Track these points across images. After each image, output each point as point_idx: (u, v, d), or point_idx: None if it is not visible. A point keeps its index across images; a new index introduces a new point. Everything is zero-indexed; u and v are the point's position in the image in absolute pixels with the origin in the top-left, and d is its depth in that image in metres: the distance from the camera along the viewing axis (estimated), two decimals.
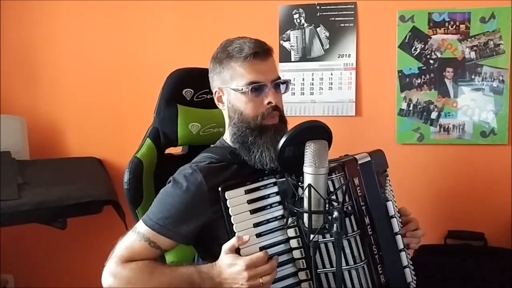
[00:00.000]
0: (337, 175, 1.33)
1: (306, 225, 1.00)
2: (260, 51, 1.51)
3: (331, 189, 1.28)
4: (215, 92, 1.59)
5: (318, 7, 2.53)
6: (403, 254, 1.46)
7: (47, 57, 2.86)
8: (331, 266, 1.32)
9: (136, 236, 1.44)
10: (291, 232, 1.35)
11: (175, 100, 1.75)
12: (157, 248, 1.43)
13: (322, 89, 2.51)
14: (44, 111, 2.87)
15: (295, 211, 1.01)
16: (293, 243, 1.34)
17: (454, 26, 2.39)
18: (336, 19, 2.51)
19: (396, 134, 2.46)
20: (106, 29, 2.79)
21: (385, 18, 2.46)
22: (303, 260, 1.34)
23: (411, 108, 2.44)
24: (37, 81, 2.87)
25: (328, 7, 2.51)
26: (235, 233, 1.33)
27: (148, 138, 1.74)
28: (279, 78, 1.54)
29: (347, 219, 1.32)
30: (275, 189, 1.39)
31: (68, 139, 2.87)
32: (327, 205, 1.03)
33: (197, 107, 1.77)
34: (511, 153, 2.35)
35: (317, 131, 1.06)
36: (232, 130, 1.54)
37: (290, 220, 1.03)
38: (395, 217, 1.48)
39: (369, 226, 1.40)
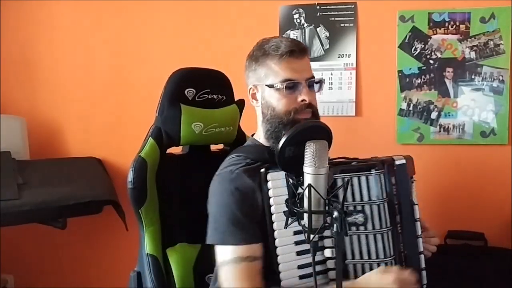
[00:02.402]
0: (377, 171, 1.39)
1: (306, 225, 1.00)
2: (296, 50, 1.53)
3: (367, 187, 1.37)
4: (250, 89, 1.61)
5: (318, 7, 2.53)
6: (422, 256, 1.48)
7: (47, 57, 2.86)
8: (361, 257, 1.36)
9: (231, 265, 1.38)
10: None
11: (178, 99, 1.75)
12: (255, 259, 1.38)
13: (321, 94, 2.51)
14: (44, 111, 2.87)
15: (295, 211, 1.01)
16: (325, 231, 1.36)
17: (454, 26, 2.39)
18: (336, 19, 2.51)
19: (396, 134, 2.46)
20: (105, 30, 2.79)
21: (385, 18, 2.46)
22: (333, 249, 1.36)
23: (411, 108, 2.44)
24: (37, 81, 2.87)
25: (328, 7, 2.52)
26: (272, 215, 1.34)
27: (150, 138, 1.72)
28: (313, 77, 1.56)
29: (382, 214, 1.38)
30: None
31: (68, 139, 2.87)
32: (328, 205, 1.04)
33: (199, 106, 1.77)
34: (511, 153, 2.35)
35: (317, 131, 1.06)
36: (265, 126, 1.56)
37: (290, 220, 1.03)
38: (419, 220, 1.50)
39: (399, 225, 1.43)
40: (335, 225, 0.97)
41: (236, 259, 1.37)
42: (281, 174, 1.33)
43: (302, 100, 1.51)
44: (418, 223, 1.50)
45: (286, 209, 1.27)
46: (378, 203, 1.39)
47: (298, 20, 2.55)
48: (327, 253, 1.35)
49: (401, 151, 2.42)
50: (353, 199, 1.39)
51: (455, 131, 2.41)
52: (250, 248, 1.37)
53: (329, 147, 1.05)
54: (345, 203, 1.34)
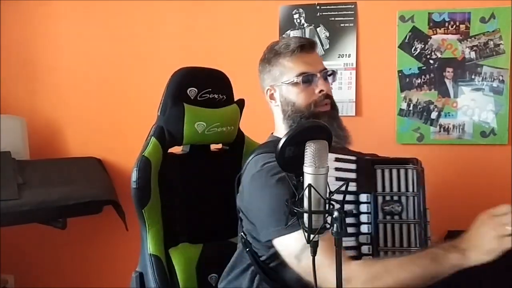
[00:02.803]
0: (412, 167, 1.48)
1: (306, 225, 1.00)
2: (306, 44, 1.58)
3: (405, 179, 1.46)
4: (267, 91, 1.65)
5: (318, 7, 2.53)
6: None
7: (47, 57, 2.86)
8: (393, 245, 1.43)
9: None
10: (363, 208, 1.44)
11: (181, 99, 1.75)
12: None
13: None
14: (44, 111, 2.87)
15: (295, 211, 1.01)
16: (363, 217, 1.44)
17: (454, 26, 2.39)
18: (336, 19, 2.51)
19: (396, 134, 2.46)
20: (105, 29, 2.79)
21: (385, 18, 2.46)
22: (368, 236, 1.43)
23: (411, 108, 2.44)
24: (37, 81, 2.87)
25: (328, 7, 2.52)
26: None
27: (153, 137, 1.71)
28: (326, 69, 1.61)
29: (415, 207, 1.45)
30: (354, 166, 1.48)
31: (68, 139, 2.87)
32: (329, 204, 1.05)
33: (200, 106, 1.77)
34: (511, 153, 2.35)
35: (317, 131, 1.06)
36: (287, 123, 1.60)
37: (290, 220, 1.03)
38: (429, 224, 1.55)
39: (422, 221, 1.49)
40: (335, 225, 0.97)
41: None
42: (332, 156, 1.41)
43: (320, 91, 1.56)
44: (428, 226, 1.53)
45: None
46: (411, 195, 1.47)
47: (298, 20, 2.55)
48: (362, 239, 1.43)
49: (401, 151, 2.44)
50: (391, 190, 1.47)
51: (455, 131, 2.41)
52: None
53: (329, 147, 1.05)
54: (383, 193, 1.46)
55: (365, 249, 1.43)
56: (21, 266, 2.92)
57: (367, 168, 1.48)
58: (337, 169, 1.45)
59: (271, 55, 1.62)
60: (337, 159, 1.46)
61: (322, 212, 1.00)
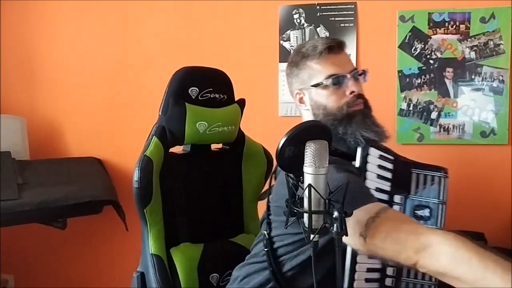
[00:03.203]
0: (443, 175, 1.52)
1: (306, 225, 0.99)
2: (334, 45, 1.53)
3: (438, 186, 1.49)
4: (296, 95, 1.59)
5: (318, 7, 2.53)
6: None
7: (47, 57, 2.86)
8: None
9: (387, 210, 1.21)
10: (395, 208, 1.43)
11: (182, 98, 1.74)
12: None
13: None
14: (44, 111, 2.87)
15: (295, 211, 1.01)
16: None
17: (454, 26, 2.39)
18: (336, 19, 2.51)
19: (396, 134, 2.46)
20: (105, 29, 2.79)
21: (385, 18, 2.46)
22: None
23: (411, 108, 2.44)
24: (37, 81, 2.88)
25: (328, 7, 2.52)
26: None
27: (154, 136, 1.71)
28: (356, 69, 1.56)
29: (442, 214, 1.48)
30: (391, 166, 1.46)
31: (68, 139, 2.87)
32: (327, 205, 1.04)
33: (201, 105, 1.77)
34: (511, 153, 2.35)
35: (317, 131, 1.06)
36: None
37: (290, 220, 1.03)
38: None
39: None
40: (335, 225, 0.97)
41: (382, 208, 1.21)
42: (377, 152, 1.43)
43: (351, 92, 1.51)
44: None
45: (372, 181, 1.38)
46: (440, 203, 1.50)
47: (298, 20, 2.55)
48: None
49: (401, 151, 2.43)
50: (422, 195, 1.48)
51: (455, 131, 2.41)
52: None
53: (329, 147, 1.05)
54: (416, 197, 1.45)
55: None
56: (21, 266, 2.92)
57: (404, 169, 1.48)
58: (379, 166, 1.44)
59: (299, 58, 1.56)
60: (380, 157, 1.45)
61: (322, 212, 1.00)
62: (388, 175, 1.46)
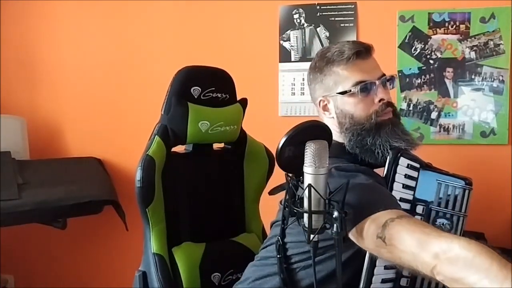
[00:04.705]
0: (467, 186, 1.51)
1: (306, 225, 1.00)
2: (362, 50, 1.46)
3: (461, 198, 1.46)
4: (319, 102, 1.51)
5: (318, 7, 2.53)
6: None
7: (47, 57, 2.86)
8: None
9: (403, 218, 1.17)
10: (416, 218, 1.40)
11: (184, 98, 1.74)
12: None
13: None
14: (44, 111, 2.87)
15: (295, 211, 1.01)
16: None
17: (454, 26, 2.39)
18: (336, 19, 2.51)
19: None
20: (105, 29, 2.79)
21: (385, 18, 2.46)
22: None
23: (411, 108, 2.44)
24: (37, 81, 2.88)
25: (328, 7, 2.52)
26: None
27: (157, 136, 1.70)
28: (385, 74, 1.49)
29: (459, 226, 1.44)
30: (416, 174, 1.42)
31: (68, 139, 2.87)
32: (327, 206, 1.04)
33: (204, 105, 1.77)
34: (511, 153, 2.35)
35: (317, 131, 1.06)
36: (346, 136, 1.46)
37: (290, 220, 1.03)
38: None
39: None
40: (335, 225, 0.97)
41: (404, 214, 1.20)
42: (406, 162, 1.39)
43: (380, 100, 1.44)
44: None
45: (397, 191, 1.34)
46: (462, 216, 1.47)
47: (298, 20, 2.55)
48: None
49: None
50: (446, 206, 1.44)
51: (455, 131, 2.41)
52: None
53: (329, 147, 1.05)
54: (438, 208, 1.41)
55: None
56: (21, 266, 2.92)
57: (428, 178, 1.43)
58: (406, 176, 1.40)
59: (323, 63, 1.48)
60: (408, 166, 1.40)
61: (322, 212, 1.00)
62: (413, 183, 1.41)
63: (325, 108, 1.51)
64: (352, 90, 1.42)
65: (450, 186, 1.45)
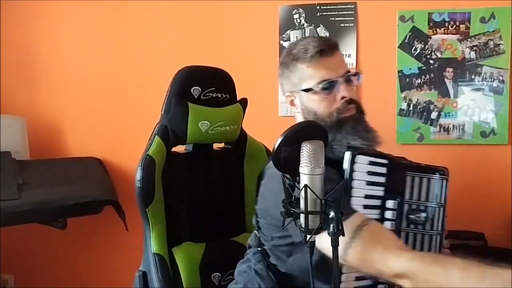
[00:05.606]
0: (441, 176, 1.45)
1: (303, 225, 0.99)
2: (325, 48, 1.48)
3: (434, 189, 1.43)
4: (287, 97, 1.56)
5: (318, 7, 2.53)
6: None
7: (47, 57, 2.86)
8: None
9: (357, 230, 1.22)
10: (388, 214, 1.40)
11: (184, 97, 1.74)
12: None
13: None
14: (44, 111, 2.87)
15: (291, 211, 1.01)
16: (387, 224, 1.39)
17: (454, 26, 2.39)
18: (336, 19, 2.51)
19: (396, 134, 2.46)
20: (105, 29, 2.79)
21: (385, 18, 2.46)
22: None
23: (411, 108, 2.44)
24: (37, 81, 2.88)
25: (328, 7, 2.51)
26: (351, 197, 1.35)
27: (157, 136, 1.71)
28: (349, 71, 1.51)
29: (439, 217, 1.44)
30: (384, 170, 1.41)
31: (68, 139, 2.87)
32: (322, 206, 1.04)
33: (204, 105, 1.77)
34: (511, 153, 2.35)
35: (313, 131, 1.06)
36: None
37: (287, 221, 1.03)
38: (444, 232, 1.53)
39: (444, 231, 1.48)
40: (331, 225, 0.97)
41: (364, 222, 1.24)
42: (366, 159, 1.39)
43: (342, 98, 1.47)
44: (444, 234, 1.52)
45: (361, 189, 1.34)
46: (437, 206, 1.45)
47: (298, 20, 2.55)
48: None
49: (401, 151, 2.42)
50: (419, 198, 1.43)
51: (455, 131, 2.41)
52: (358, 213, 1.29)
53: (325, 147, 1.04)
54: (410, 201, 1.41)
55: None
56: (21, 266, 2.92)
57: (398, 173, 1.42)
58: (369, 173, 1.40)
59: (289, 60, 1.51)
60: (371, 163, 1.40)
61: (318, 213, 1.00)
62: (381, 179, 1.41)
63: (292, 103, 1.56)
64: (314, 88, 1.46)
65: (424, 179, 1.44)
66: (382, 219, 1.39)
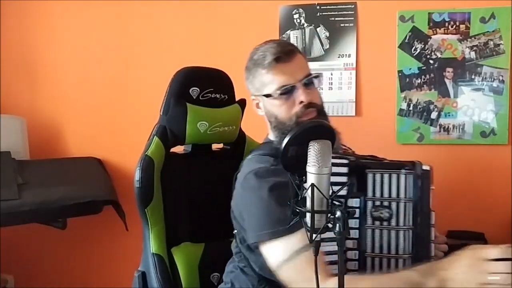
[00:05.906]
0: (407, 171, 1.42)
1: (309, 224, 1.00)
2: (282, 55, 1.51)
3: (397, 184, 1.41)
4: (252, 100, 1.62)
5: (318, 7, 2.53)
6: (432, 260, 1.49)
7: (47, 57, 2.86)
8: (381, 252, 1.40)
9: (295, 254, 1.31)
10: (351, 213, 1.38)
11: (183, 98, 1.75)
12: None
13: (322, 89, 2.50)
14: (44, 111, 2.87)
15: (297, 210, 1.01)
16: (351, 222, 1.35)
17: (454, 26, 2.39)
18: (336, 19, 2.51)
19: (396, 134, 2.46)
20: (105, 29, 2.79)
21: (385, 18, 2.46)
22: (355, 241, 1.40)
23: (411, 108, 2.44)
24: (37, 81, 2.87)
25: (328, 7, 2.52)
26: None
27: (155, 136, 1.72)
28: (309, 74, 1.54)
29: (407, 213, 1.41)
30: (345, 170, 1.42)
31: (68, 139, 2.87)
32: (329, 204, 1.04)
33: (203, 105, 1.77)
34: (511, 153, 2.35)
35: (321, 130, 1.06)
36: (274, 133, 1.58)
37: (293, 220, 1.03)
38: (433, 226, 1.51)
39: (418, 227, 1.45)
40: (337, 225, 0.97)
41: (300, 249, 1.29)
42: None
43: (301, 102, 1.50)
44: (432, 229, 1.51)
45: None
46: (404, 201, 1.43)
47: (298, 20, 2.55)
48: (349, 244, 1.39)
49: (401, 151, 2.45)
50: (382, 195, 1.43)
51: (455, 131, 2.41)
52: (304, 233, 1.30)
53: (333, 147, 1.05)
54: (373, 198, 1.42)
55: (351, 254, 1.41)
56: (21, 266, 2.92)
57: (359, 172, 1.43)
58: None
59: (251, 65, 1.57)
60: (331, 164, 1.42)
61: (325, 212, 1.00)
62: (343, 179, 1.42)
63: (257, 106, 1.62)
64: (273, 94, 1.51)
65: (391, 175, 1.44)
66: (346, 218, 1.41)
